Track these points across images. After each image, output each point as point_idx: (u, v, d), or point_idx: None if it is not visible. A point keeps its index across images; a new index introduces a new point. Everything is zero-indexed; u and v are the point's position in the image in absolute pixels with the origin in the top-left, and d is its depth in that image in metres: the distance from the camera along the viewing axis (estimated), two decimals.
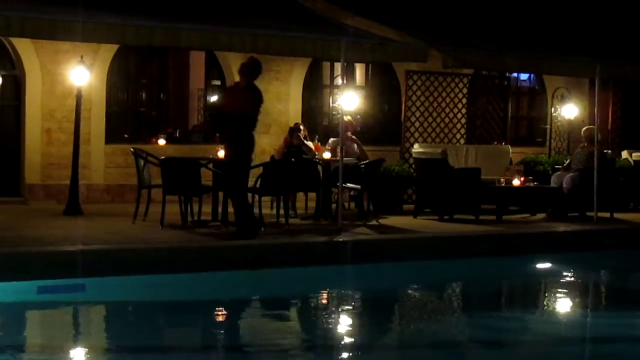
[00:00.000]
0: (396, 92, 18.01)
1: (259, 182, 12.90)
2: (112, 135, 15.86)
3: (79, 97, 13.85)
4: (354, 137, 15.24)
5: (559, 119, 18.96)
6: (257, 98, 11.86)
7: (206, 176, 13.05)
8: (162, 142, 16.01)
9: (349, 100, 14.82)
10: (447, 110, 17.17)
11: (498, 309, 10.72)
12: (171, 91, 17.08)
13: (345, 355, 8.56)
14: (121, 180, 15.66)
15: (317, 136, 15.88)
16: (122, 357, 8.27)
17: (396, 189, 15.47)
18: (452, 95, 17.23)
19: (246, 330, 9.52)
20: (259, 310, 10.56)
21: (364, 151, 15.26)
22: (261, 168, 13.07)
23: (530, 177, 15.74)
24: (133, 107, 16.60)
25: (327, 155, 14.34)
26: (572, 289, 12.35)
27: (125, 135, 16.19)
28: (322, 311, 10.55)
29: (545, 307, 11.16)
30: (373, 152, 15.76)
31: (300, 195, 14.96)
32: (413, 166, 15.81)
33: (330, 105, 17.91)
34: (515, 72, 18.33)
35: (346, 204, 15.13)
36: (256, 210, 12.88)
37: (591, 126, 15.95)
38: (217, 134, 13.41)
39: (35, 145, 15.23)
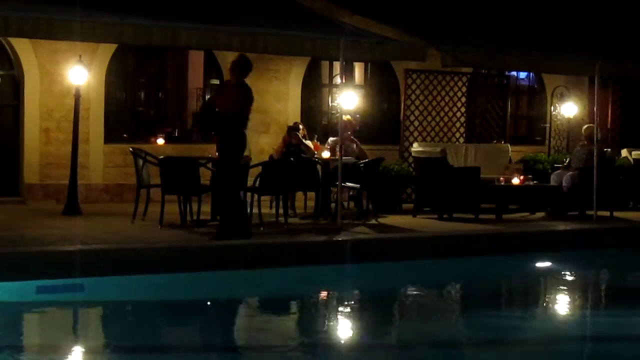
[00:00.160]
0: (395, 91, 18.00)
1: (258, 182, 12.89)
2: (111, 134, 15.84)
3: (77, 97, 13.84)
4: (352, 137, 15.22)
5: (558, 117, 18.94)
6: (246, 96, 11.76)
7: (205, 175, 13.03)
8: (160, 141, 16.00)
9: (348, 99, 14.80)
10: (447, 109, 17.16)
11: (498, 308, 10.70)
12: (170, 91, 17.06)
13: (345, 355, 8.55)
14: (120, 179, 15.64)
15: (316, 135, 15.86)
16: (121, 357, 8.26)
17: (395, 188, 15.46)
18: (451, 94, 17.22)
19: (245, 329, 9.50)
20: (258, 310, 10.55)
21: (363, 150, 15.25)
22: (260, 167, 13.06)
23: (530, 176, 15.74)
24: (132, 107, 16.58)
25: (326, 154, 14.32)
26: (571, 288, 12.35)
27: (124, 135, 16.17)
28: (321, 311, 10.53)
29: (545, 306, 11.14)
30: (372, 151, 15.74)
31: (300, 195, 14.95)
32: (412, 165, 15.80)
33: (330, 104, 17.89)
34: (514, 70, 18.33)
35: (345, 203, 15.12)
36: (255, 210, 12.88)
37: (591, 124, 15.93)
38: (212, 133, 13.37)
39: (33, 145, 15.21)
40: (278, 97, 16.92)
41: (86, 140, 15.22)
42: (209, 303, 10.29)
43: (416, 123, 16.81)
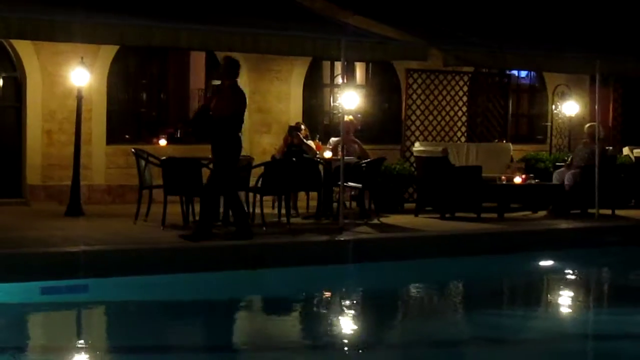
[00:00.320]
0: (396, 91, 18.00)
1: (260, 182, 12.90)
2: (113, 135, 15.85)
3: (79, 98, 13.86)
4: (354, 138, 15.23)
5: (559, 116, 18.94)
6: (238, 100, 11.73)
7: (207, 176, 13.03)
8: (163, 142, 16.01)
9: (349, 99, 14.82)
10: (448, 108, 17.17)
11: (500, 307, 10.70)
12: (171, 91, 17.07)
13: (348, 354, 8.55)
14: (122, 180, 15.66)
15: (317, 135, 15.88)
16: (125, 358, 8.27)
17: (397, 187, 15.47)
18: (452, 93, 17.23)
19: (248, 330, 9.52)
20: (261, 310, 10.56)
21: (364, 150, 15.26)
22: (262, 168, 13.07)
23: (532, 175, 15.74)
24: (133, 108, 16.59)
25: (328, 154, 14.34)
26: (574, 286, 12.35)
27: (126, 136, 16.18)
28: (323, 310, 10.54)
29: (548, 305, 11.15)
30: (374, 151, 15.75)
31: (302, 195, 14.96)
32: (414, 165, 15.82)
33: (331, 104, 17.91)
34: (515, 69, 18.33)
35: (347, 203, 15.11)
36: (258, 210, 12.90)
37: (594, 123, 15.91)
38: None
39: (36, 146, 15.23)
40: (280, 98, 16.93)
41: (88, 142, 15.24)
42: (211, 303, 10.29)
43: (417, 122, 16.82)
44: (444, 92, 17.12)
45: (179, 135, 16.58)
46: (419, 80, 16.85)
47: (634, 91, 20.34)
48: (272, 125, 16.74)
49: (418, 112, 16.82)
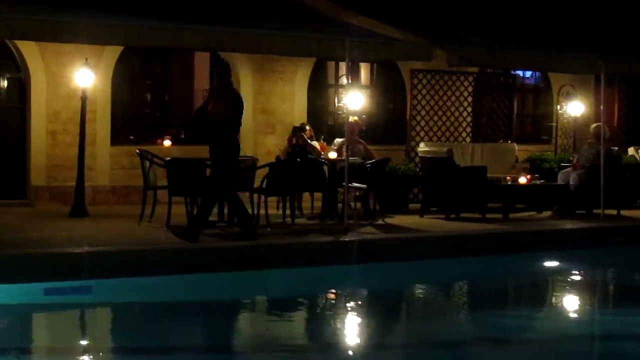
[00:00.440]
0: (401, 91, 17.99)
1: (264, 183, 12.89)
2: (117, 136, 15.85)
3: (83, 99, 13.86)
4: (358, 138, 15.21)
5: (564, 116, 18.90)
6: (234, 105, 11.71)
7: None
8: (167, 143, 16.00)
9: (354, 100, 14.80)
10: (453, 108, 17.15)
11: (505, 308, 10.69)
12: (176, 92, 17.07)
13: (352, 355, 8.54)
14: (127, 181, 15.65)
15: (322, 136, 15.86)
16: (129, 359, 8.26)
17: (402, 188, 15.45)
18: (457, 93, 17.21)
19: (253, 331, 9.51)
20: (266, 311, 10.55)
21: (369, 151, 15.24)
22: (267, 168, 13.06)
23: (537, 175, 15.72)
24: (138, 109, 16.59)
25: (332, 155, 14.32)
26: (579, 287, 12.33)
27: (131, 137, 16.17)
28: (328, 311, 10.53)
29: (553, 305, 11.13)
30: (379, 152, 15.73)
31: (306, 195, 14.94)
32: (419, 165, 15.80)
33: (336, 104, 17.89)
34: (519, 69, 18.31)
35: (352, 204, 15.10)
36: (262, 211, 12.88)
37: (599, 123, 15.87)
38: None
39: (40, 147, 15.23)
40: (284, 98, 16.92)
41: (93, 142, 15.23)
42: (215, 304, 10.28)
43: (422, 123, 16.80)
44: (449, 93, 17.09)
45: (183, 136, 16.58)
46: (424, 81, 16.83)
47: (639, 91, 20.30)
48: (276, 126, 16.73)
49: (423, 113, 16.80)
